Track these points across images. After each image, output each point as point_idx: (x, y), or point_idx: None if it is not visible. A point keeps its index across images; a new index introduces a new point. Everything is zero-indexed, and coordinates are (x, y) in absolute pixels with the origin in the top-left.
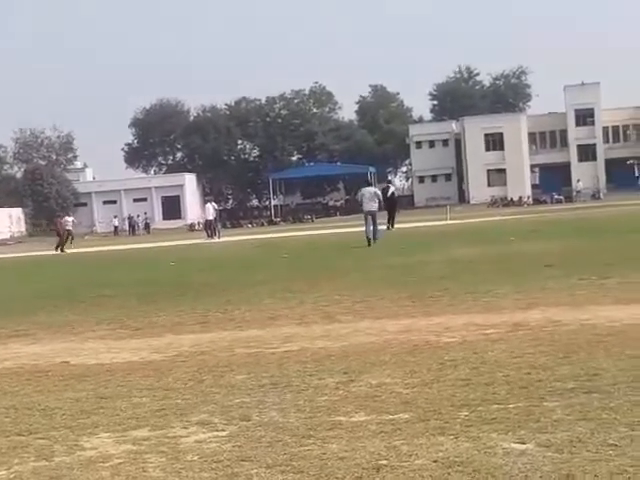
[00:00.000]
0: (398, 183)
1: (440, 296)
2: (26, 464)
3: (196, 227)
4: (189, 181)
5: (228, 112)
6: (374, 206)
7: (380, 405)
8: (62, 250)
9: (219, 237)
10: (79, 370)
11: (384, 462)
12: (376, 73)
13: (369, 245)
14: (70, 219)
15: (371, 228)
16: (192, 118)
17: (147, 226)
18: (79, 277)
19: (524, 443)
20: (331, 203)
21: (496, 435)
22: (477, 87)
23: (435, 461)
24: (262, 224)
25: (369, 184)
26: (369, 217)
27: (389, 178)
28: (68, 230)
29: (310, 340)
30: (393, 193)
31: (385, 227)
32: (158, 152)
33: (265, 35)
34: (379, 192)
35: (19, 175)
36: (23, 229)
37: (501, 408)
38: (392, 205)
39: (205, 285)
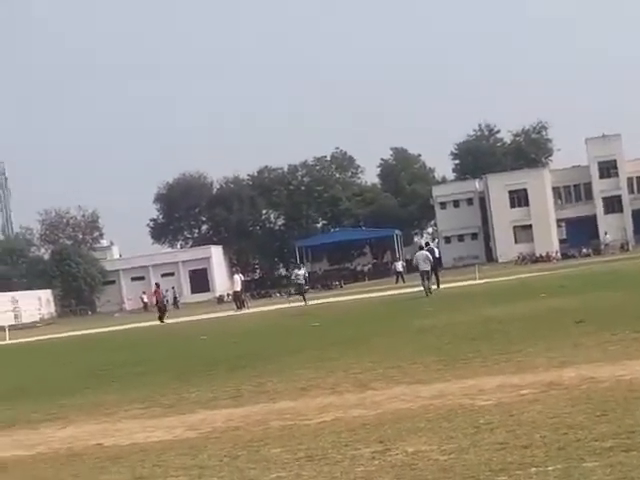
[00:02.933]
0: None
1: (472, 358)
2: None
3: (225, 299)
4: (215, 253)
5: (251, 182)
6: (427, 267)
7: (418, 474)
8: (162, 320)
9: (248, 308)
10: (113, 451)
11: None
12: (397, 136)
13: (427, 295)
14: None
15: (426, 283)
16: (215, 190)
17: (176, 301)
18: (110, 356)
19: None
20: (359, 268)
21: None
22: (498, 144)
23: None
24: (291, 293)
25: (421, 248)
26: (424, 275)
27: (427, 241)
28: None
29: (344, 409)
30: (437, 255)
31: (434, 287)
32: (183, 226)
33: (287, 103)
34: (430, 255)
35: (46, 256)
36: (52, 310)
37: (540, 471)
38: (436, 266)
39: (236, 358)
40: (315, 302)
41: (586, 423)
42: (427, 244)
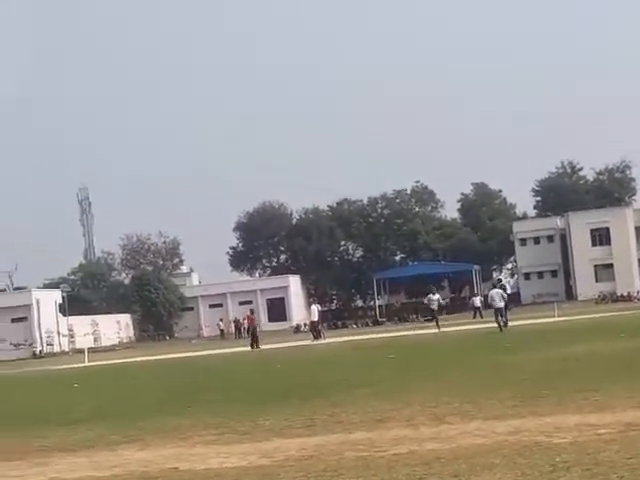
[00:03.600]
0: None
1: (549, 395)
2: None
3: (301, 329)
4: (293, 283)
5: (330, 213)
6: (501, 304)
7: None
8: (257, 346)
9: (324, 338)
10: (188, 476)
11: None
12: (477, 171)
13: (501, 331)
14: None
15: (500, 319)
16: (295, 221)
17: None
18: (187, 381)
19: None
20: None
21: None
22: (581, 182)
23: None
24: (367, 324)
25: (494, 286)
26: (498, 312)
27: (501, 278)
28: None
29: (419, 442)
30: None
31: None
32: (262, 255)
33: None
34: (504, 293)
35: (127, 281)
36: (131, 334)
37: None
38: (506, 303)
39: (311, 387)
40: (390, 335)
41: None
42: (500, 280)
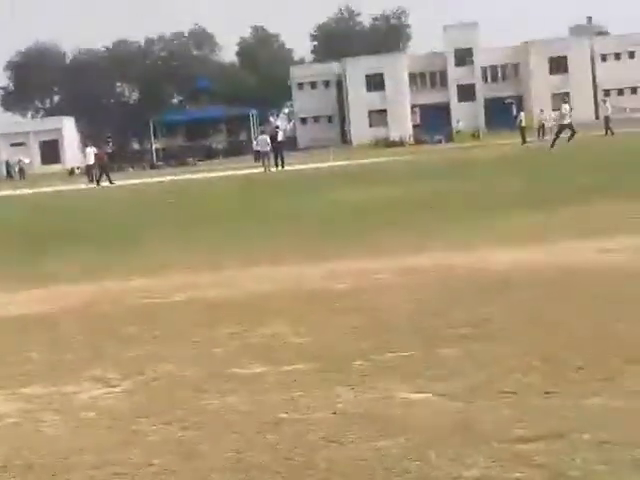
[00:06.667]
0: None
1: (329, 242)
2: None
3: (76, 172)
4: (68, 125)
5: (107, 55)
6: (267, 148)
7: (275, 356)
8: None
9: (100, 182)
10: None
11: (284, 415)
12: (256, 14)
13: (265, 172)
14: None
15: (266, 162)
16: (69, 61)
17: (22, 171)
18: None
19: (421, 392)
20: (214, 145)
21: (393, 385)
22: (358, 28)
23: (334, 413)
24: (143, 167)
25: (263, 132)
26: (265, 156)
27: (277, 124)
28: None
29: (201, 289)
30: (280, 138)
31: (273, 169)
32: (35, 96)
33: None
34: (268, 139)
35: None
36: None
37: (395, 357)
38: (279, 147)
39: (90, 233)
40: (170, 178)
41: (441, 310)
42: (276, 127)
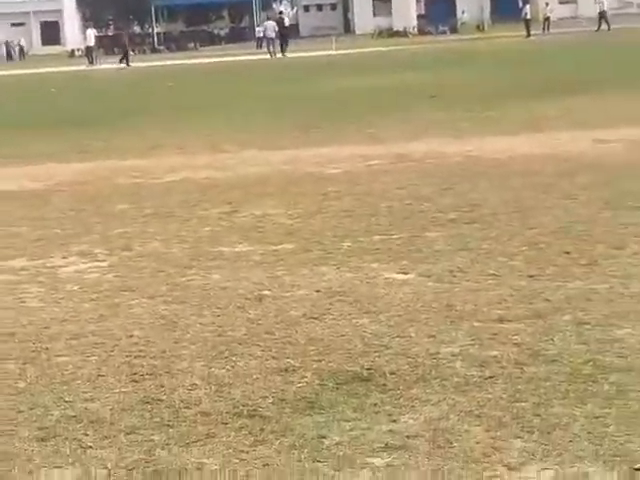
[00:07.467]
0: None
1: (326, 127)
2: None
3: (76, 54)
4: (68, 5)
5: None
6: (273, 34)
7: (263, 236)
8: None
9: (99, 64)
10: None
11: (266, 292)
12: None
13: (271, 57)
14: None
15: (271, 49)
16: None
17: (22, 51)
18: None
19: (406, 273)
20: (216, 31)
21: (378, 265)
22: None
23: (317, 291)
24: (144, 51)
25: (269, 18)
26: (270, 42)
27: (281, 9)
28: None
29: (194, 170)
30: (286, 24)
31: (279, 55)
32: None
33: None
34: (276, 25)
35: None
36: None
37: (384, 239)
38: (285, 34)
39: (85, 114)
40: (172, 62)
41: (432, 195)
42: (280, 12)
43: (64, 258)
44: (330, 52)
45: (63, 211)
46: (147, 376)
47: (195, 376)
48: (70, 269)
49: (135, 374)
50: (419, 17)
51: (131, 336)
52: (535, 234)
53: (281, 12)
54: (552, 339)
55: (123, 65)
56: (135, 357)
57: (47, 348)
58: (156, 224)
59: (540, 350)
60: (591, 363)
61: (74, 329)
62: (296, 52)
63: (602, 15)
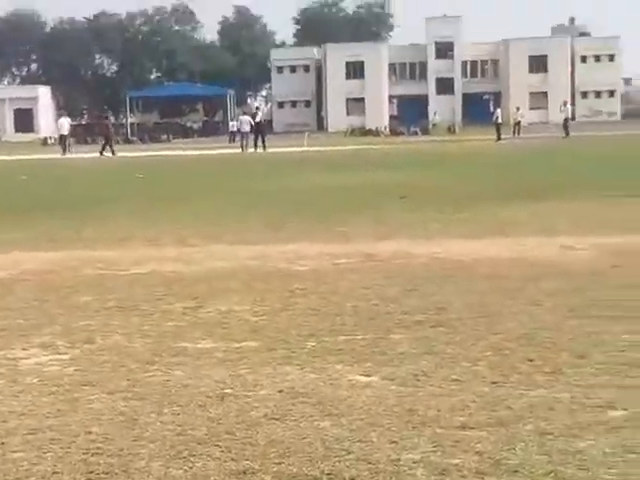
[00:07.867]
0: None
1: (295, 224)
2: None
3: (49, 142)
4: (43, 94)
5: (86, 26)
6: (248, 129)
7: (227, 332)
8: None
9: (72, 153)
10: None
11: (229, 391)
12: None
13: (242, 152)
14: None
15: (245, 142)
16: (49, 29)
17: None
18: None
19: (369, 375)
20: (189, 124)
21: (342, 367)
22: (341, 14)
23: (280, 391)
24: (117, 142)
25: (244, 113)
26: (245, 136)
27: (257, 105)
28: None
29: (161, 263)
30: (261, 119)
31: (251, 149)
32: (12, 63)
33: None
34: (251, 119)
35: None
36: None
37: (348, 339)
38: (262, 130)
39: (57, 202)
40: (145, 154)
41: (398, 296)
42: (257, 108)
43: (25, 350)
44: (303, 148)
45: (27, 301)
46: (103, 475)
47: (152, 476)
48: (31, 361)
49: (91, 472)
50: (391, 117)
51: (89, 432)
52: (500, 340)
53: (257, 107)
54: (514, 448)
55: (108, 154)
56: (92, 454)
57: (3, 443)
58: (119, 317)
59: (502, 459)
60: (552, 475)
61: (32, 423)
62: (269, 147)
63: (566, 122)
